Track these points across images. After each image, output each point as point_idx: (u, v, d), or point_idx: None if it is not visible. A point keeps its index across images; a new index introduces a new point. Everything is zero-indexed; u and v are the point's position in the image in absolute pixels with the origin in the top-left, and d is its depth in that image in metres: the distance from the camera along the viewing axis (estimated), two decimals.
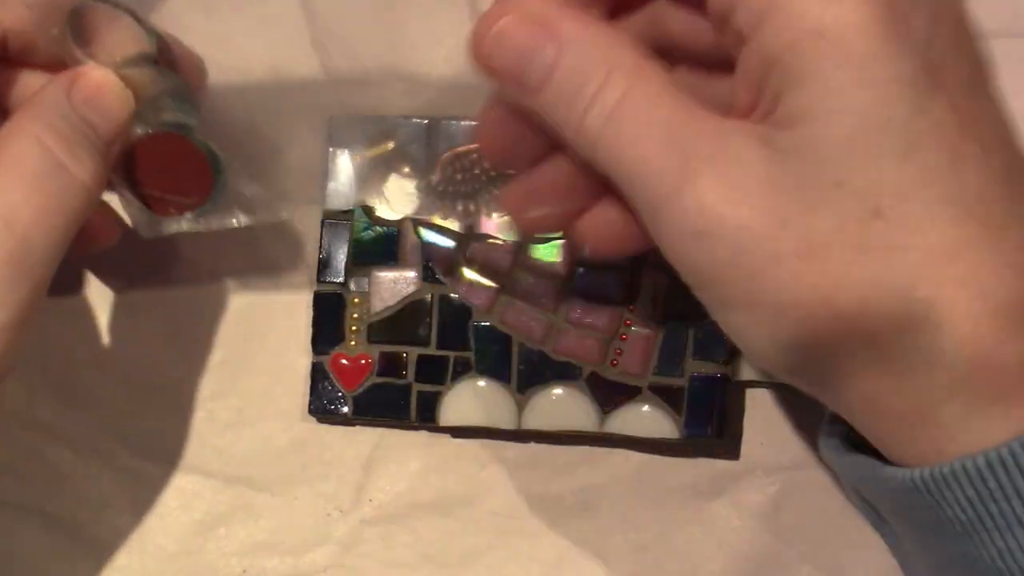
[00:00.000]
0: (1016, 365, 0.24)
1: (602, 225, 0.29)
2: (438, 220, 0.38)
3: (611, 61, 0.26)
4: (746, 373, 0.38)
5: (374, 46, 0.39)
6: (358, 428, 0.39)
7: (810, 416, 0.39)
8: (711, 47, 0.28)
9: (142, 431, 0.39)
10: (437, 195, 0.38)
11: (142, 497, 0.39)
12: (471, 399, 0.38)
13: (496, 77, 0.28)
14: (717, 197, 0.25)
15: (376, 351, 0.38)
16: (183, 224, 0.34)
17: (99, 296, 0.40)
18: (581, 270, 0.37)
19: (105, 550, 0.39)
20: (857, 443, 0.28)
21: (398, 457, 0.39)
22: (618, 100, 0.26)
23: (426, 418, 0.38)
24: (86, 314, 0.39)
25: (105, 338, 0.39)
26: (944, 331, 0.24)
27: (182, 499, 0.39)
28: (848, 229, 0.24)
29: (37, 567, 0.39)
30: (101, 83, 0.32)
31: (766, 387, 0.39)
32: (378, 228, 0.38)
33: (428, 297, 0.38)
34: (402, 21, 0.39)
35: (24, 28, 0.32)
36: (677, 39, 0.30)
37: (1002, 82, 0.40)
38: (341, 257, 0.38)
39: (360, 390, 0.38)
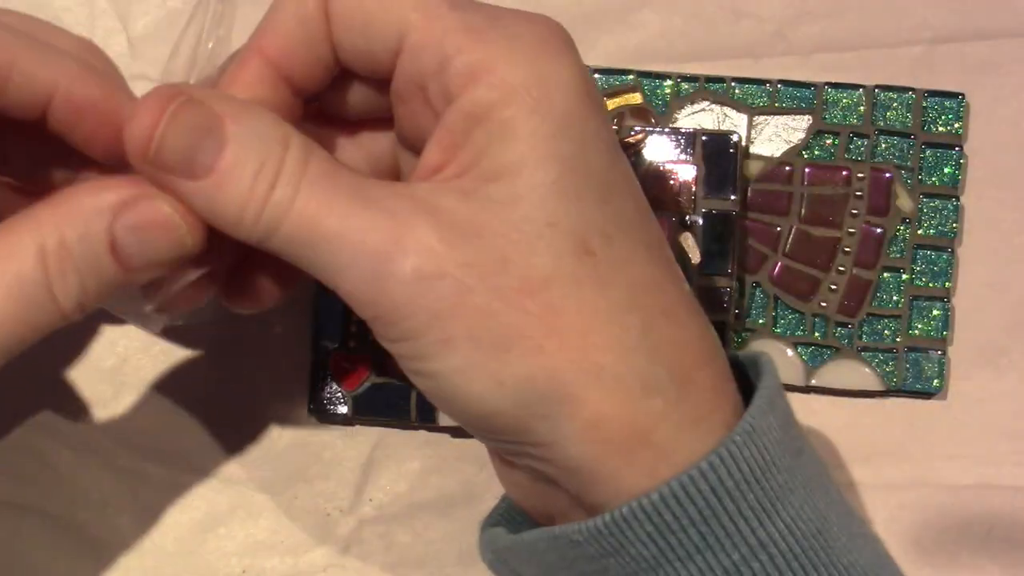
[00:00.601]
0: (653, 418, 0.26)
1: (248, 286, 0.31)
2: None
3: (285, 132, 0.26)
4: None
5: None
6: (358, 428, 0.39)
7: (808, 417, 0.39)
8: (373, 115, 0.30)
9: (142, 431, 0.39)
10: None
11: (142, 497, 0.39)
12: None
13: (159, 170, 0.26)
14: (437, 241, 0.25)
15: (376, 351, 0.38)
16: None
17: None
18: None
19: (105, 550, 0.39)
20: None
21: (398, 457, 0.39)
22: (303, 169, 0.26)
23: (426, 418, 0.38)
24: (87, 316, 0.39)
25: (106, 338, 0.39)
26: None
27: (182, 499, 0.39)
28: (564, 265, 0.26)
29: (37, 567, 0.39)
30: (158, 222, 0.27)
31: None
32: None
33: None
34: None
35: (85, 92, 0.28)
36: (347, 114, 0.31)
37: (1004, 81, 0.40)
38: None
39: (360, 390, 0.38)
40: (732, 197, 0.38)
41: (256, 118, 0.26)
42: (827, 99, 0.39)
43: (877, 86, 0.39)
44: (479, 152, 0.26)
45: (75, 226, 0.26)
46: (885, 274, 0.39)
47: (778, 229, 0.39)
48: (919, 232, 0.39)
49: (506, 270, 0.25)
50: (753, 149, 0.39)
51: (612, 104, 0.39)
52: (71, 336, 0.40)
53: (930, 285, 0.39)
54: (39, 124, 0.29)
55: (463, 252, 0.25)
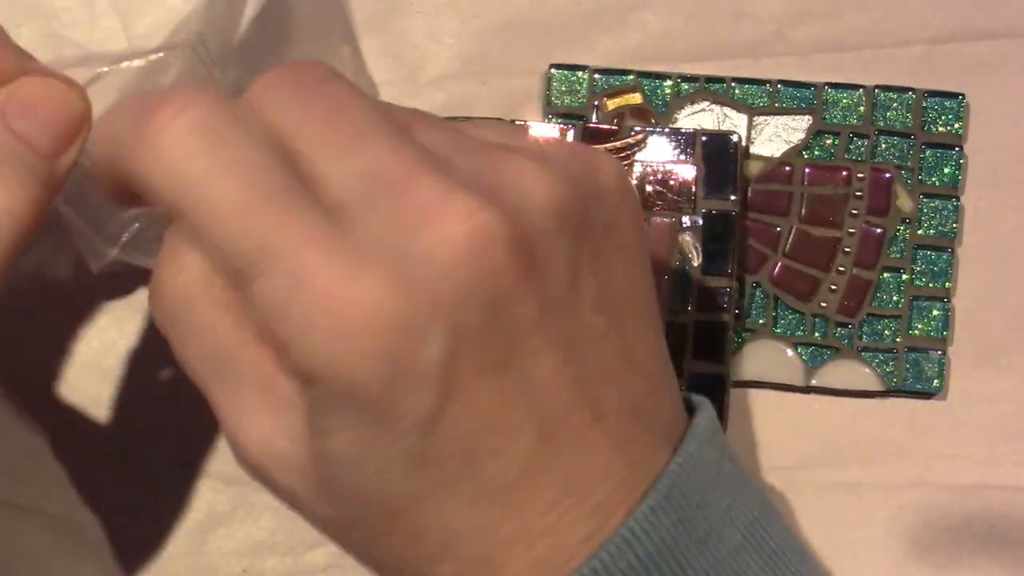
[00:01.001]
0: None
1: None
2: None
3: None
4: (746, 373, 0.38)
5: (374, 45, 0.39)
6: None
7: (808, 417, 0.39)
8: None
9: (142, 431, 0.39)
10: None
11: (142, 497, 0.39)
12: None
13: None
14: (262, 461, 0.27)
15: None
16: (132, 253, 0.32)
17: (99, 296, 0.40)
18: None
19: (105, 550, 0.39)
20: None
21: None
22: (177, 312, 0.27)
23: None
24: (86, 314, 0.39)
25: (105, 338, 0.39)
26: None
27: (182, 499, 0.39)
28: (371, 521, 0.26)
29: (37, 567, 0.39)
30: (38, 95, 0.28)
31: (765, 387, 0.39)
32: None
33: None
34: (403, 21, 0.39)
35: None
36: None
37: (1004, 81, 0.40)
38: None
39: None
40: (732, 197, 0.38)
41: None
42: (827, 99, 0.39)
43: (877, 86, 0.39)
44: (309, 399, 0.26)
45: None
46: (885, 274, 0.39)
47: (778, 229, 0.39)
48: (919, 232, 0.39)
49: (320, 504, 0.26)
50: (753, 149, 0.39)
51: (612, 104, 0.39)
52: (71, 336, 0.39)
53: (930, 285, 0.39)
54: None
55: (280, 476, 0.27)
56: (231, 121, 0.25)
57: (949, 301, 0.39)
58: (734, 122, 0.39)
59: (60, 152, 0.28)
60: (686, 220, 0.38)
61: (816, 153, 0.39)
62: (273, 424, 0.26)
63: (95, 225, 0.31)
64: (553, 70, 0.39)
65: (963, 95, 0.39)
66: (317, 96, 0.26)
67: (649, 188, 0.37)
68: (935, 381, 0.39)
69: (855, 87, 0.39)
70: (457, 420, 0.24)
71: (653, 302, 0.28)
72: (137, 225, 0.31)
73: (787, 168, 0.39)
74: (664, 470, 0.26)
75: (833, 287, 0.39)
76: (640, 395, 0.27)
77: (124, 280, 0.40)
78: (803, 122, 0.39)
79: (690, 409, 0.29)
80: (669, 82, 0.39)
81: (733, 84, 0.39)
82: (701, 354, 0.37)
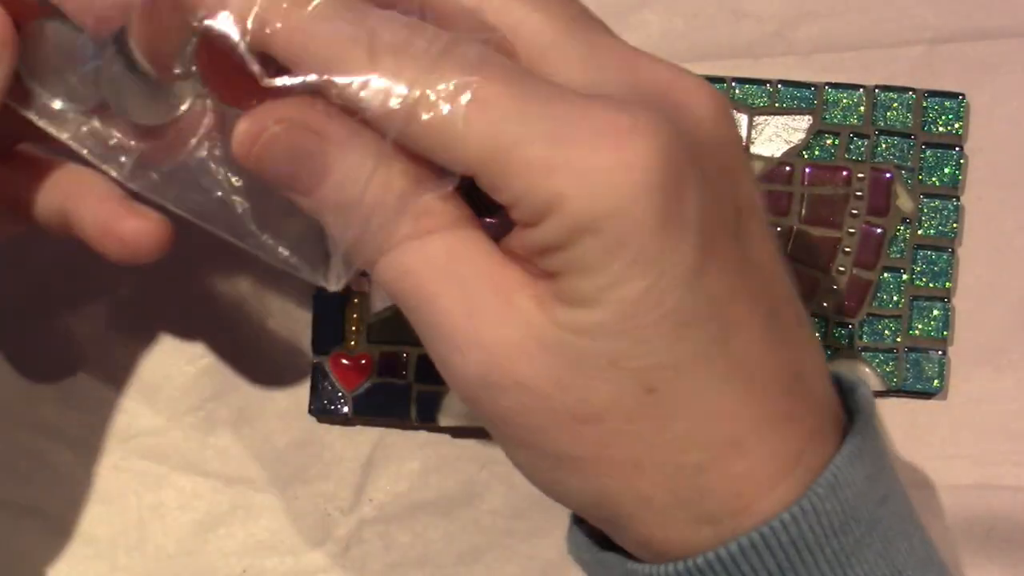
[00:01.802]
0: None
1: None
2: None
3: (388, 171, 0.26)
4: None
5: None
6: (358, 428, 0.39)
7: None
8: None
9: (142, 431, 0.39)
10: None
11: (142, 497, 0.39)
12: None
13: (268, 179, 0.27)
14: (500, 353, 0.25)
15: (376, 351, 0.38)
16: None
17: (99, 296, 0.40)
18: None
19: (105, 550, 0.39)
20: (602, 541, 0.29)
21: (398, 457, 0.39)
22: (395, 228, 0.26)
23: (426, 418, 0.38)
24: (86, 314, 0.39)
25: (105, 338, 0.39)
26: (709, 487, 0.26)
27: (182, 499, 0.39)
28: (622, 402, 0.25)
29: (37, 567, 0.39)
30: None
31: None
32: None
33: None
34: None
35: None
36: None
37: (1004, 81, 0.40)
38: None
39: (360, 390, 0.38)
40: None
41: (358, 143, 0.26)
42: (827, 99, 0.39)
43: (877, 86, 0.39)
44: (556, 272, 0.25)
45: None
46: (885, 274, 0.39)
47: (778, 229, 0.39)
48: (919, 232, 0.39)
49: (561, 394, 0.25)
50: (753, 149, 0.39)
51: None
52: (71, 335, 0.39)
53: (930, 285, 0.39)
54: None
55: (520, 370, 0.25)
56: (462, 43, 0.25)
57: (949, 301, 0.39)
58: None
59: None
60: None
61: (816, 153, 0.39)
62: (511, 317, 0.25)
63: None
64: None
65: (963, 95, 0.39)
66: None
67: None
68: (935, 381, 0.39)
69: (855, 87, 0.39)
70: (717, 276, 0.25)
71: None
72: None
73: (787, 168, 0.39)
74: (850, 427, 0.27)
75: (833, 287, 0.39)
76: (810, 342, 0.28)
77: (123, 280, 0.40)
78: (803, 122, 0.39)
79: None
80: None
81: (733, 84, 0.39)
82: None
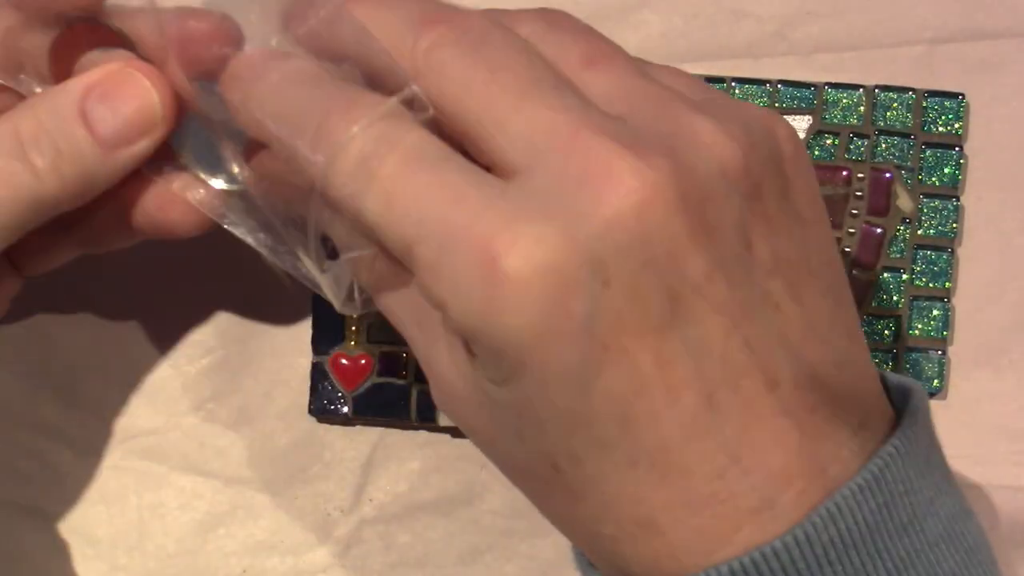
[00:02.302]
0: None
1: None
2: None
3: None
4: None
5: None
6: (358, 428, 0.39)
7: None
8: None
9: (142, 431, 0.39)
10: None
11: (142, 497, 0.39)
12: None
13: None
14: (449, 398, 0.27)
15: (376, 351, 0.38)
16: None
17: (99, 296, 0.40)
18: None
19: (105, 550, 0.39)
20: None
21: (398, 457, 0.39)
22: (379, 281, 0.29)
23: (426, 418, 0.38)
24: (86, 314, 0.39)
25: (105, 338, 0.39)
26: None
27: (182, 499, 0.39)
28: (537, 470, 0.26)
29: (37, 567, 0.39)
30: (119, 83, 0.30)
31: None
32: None
33: None
34: None
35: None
36: None
37: (1004, 81, 0.40)
38: None
39: (360, 390, 0.38)
40: None
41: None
42: (827, 99, 0.39)
43: (877, 86, 0.39)
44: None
45: (48, 108, 0.29)
46: (885, 274, 0.39)
47: None
48: (919, 232, 0.39)
49: (496, 447, 0.27)
50: None
51: None
52: (71, 335, 0.39)
53: (930, 285, 0.39)
54: None
55: (467, 415, 0.27)
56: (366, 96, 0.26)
57: (949, 301, 0.39)
58: None
59: (119, 146, 0.30)
60: None
61: (816, 153, 0.39)
62: (451, 369, 0.26)
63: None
64: None
65: (963, 95, 0.39)
66: (478, 58, 0.26)
67: None
68: (935, 381, 0.39)
69: (855, 87, 0.39)
70: (614, 379, 0.24)
71: (837, 273, 0.27)
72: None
73: None
74: (877, 449, 0.25)
75: None
76: (821, 366, 0.25)
77: (124, 280, 0.40)
78: (803, 122, 0.39)
79: (887, 391, 0.28)
80: None
81: (733, 84, 0.39)
82: None
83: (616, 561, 0.26)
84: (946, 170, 0.39)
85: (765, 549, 0.24)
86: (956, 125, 0.39)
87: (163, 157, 0.31)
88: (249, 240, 0.31)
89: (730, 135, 0.25)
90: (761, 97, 0.39)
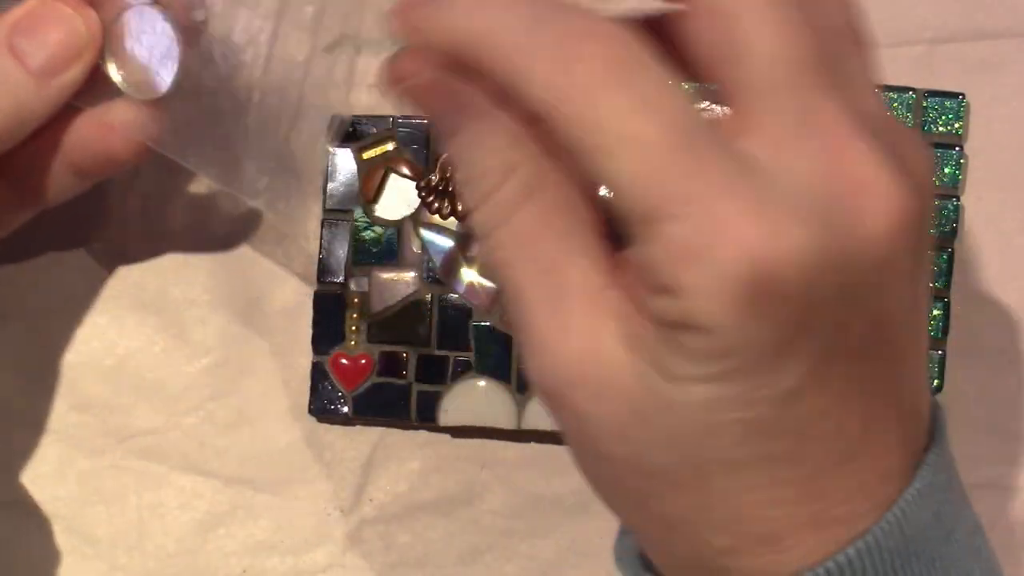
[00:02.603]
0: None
1: None
2: (438, 220, 0.38)
3: (513, 156, 0.25)
4: None
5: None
6: (358, 428, 0.39)
7: None
8: None
9: (142, 431, 0.39)
10: (437, 195, 0.38)
11: (142, 497, 0.39)
12: (471, 399, 0.38)
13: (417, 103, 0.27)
14: (578, 380, 0.24)
15: (376, 351, 0.38)
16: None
17: (100, 296, 0.40)
18: None
19: (105, 550, 0.39)
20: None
21: (398, 457, 0.39)
22: (508, 214, 0.25)
23: (426, 418, 0.38)
24: (87, 315, 0.39)
25: (105, 338, 0.39)
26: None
27: (182, 499, 0.39)
28: (675, 472, 0.24)
29: (37, 567, 0.39)
30: (40, 15, 0.31)
31: None
32: (378, 228, 0.38)
33: (428, 297, 0.38)
34: None
35: None
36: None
37: (1004, 81, 0.40)
38: (341, 257, 0.38)
39: (360, 390, 0.38)
40: None
41: (493, 124, 0.25)
42: None
43: (877, 86, 0.39)
44: (658, 331, 0.24)
45: None
46: None
47: None
48: None
49: (622, 444, 0.25)
50: None
51: None
52: (71, 336, 0.39)
53: (930, 285, 0.39)
54: None
55: (588, 401, 0.25)
56: (644, 56, 0.23)
57: (948, 301, 0.39)
58: None
59: (54, 73, 0.31)
60: None
61: None
62: (600, 346, 0.24)
63: None
64: None
65: (963, 95, 0.39)
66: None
67: None
68: (934, 381, 0.39)
69: None
70: (811, 399, 0.23)
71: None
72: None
73: None
74: (923, 458, 0.26)
75: None
76: (919, 395, 0.27)
77: (124, 281, 0.40)
78: None
79: None
80: None
81: None
82: None
83: (712, 567, 0.25)
84: (946, 170, 0.39)
85: (849, 551, 0.24)
86: (956, 125, 0.39)
87: (97, 87, 0.32)
88: (187, 163, 0.33)
89: (924, 179, 0.25)
90: None
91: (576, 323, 0.24)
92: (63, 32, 0.31)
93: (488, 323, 0.38)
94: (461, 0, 0.25)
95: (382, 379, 0.38)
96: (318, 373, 0.38)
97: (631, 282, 0.24)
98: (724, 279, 0.22)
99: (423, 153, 0.38)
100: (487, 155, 0.25)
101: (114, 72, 0.32)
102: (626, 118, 0.23)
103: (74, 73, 0.31)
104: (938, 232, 0.39)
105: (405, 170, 0.38)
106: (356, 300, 0.38)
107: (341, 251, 0.38)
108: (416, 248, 0.38)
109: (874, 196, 0.23)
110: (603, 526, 0.39)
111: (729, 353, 0.23)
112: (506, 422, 0.38)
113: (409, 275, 0.38)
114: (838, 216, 0.23)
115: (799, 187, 0.23)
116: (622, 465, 0.25)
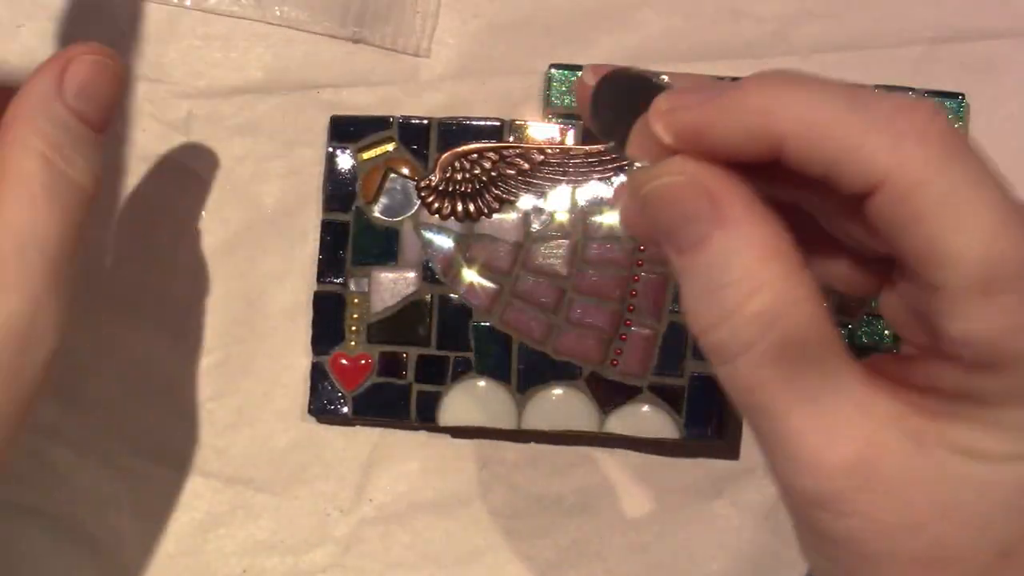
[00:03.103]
0: None
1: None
2: (438, 220, 0.38)
3: (763, 273, 0.24)
4: None
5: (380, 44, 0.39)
6: (358, 428, 0.39)
7: None
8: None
9: (142, 431, 0.39)
10: (437, 195, 0.38)
11: (142, 497, 0.39)
12: (471, 399, 0.38)
13: (646, 225, 0.26)
14: (851, 481, 0.24)
15: (376, 351, 0.38)
16: None
17: (100, 297, 0.40)
18: (581, 270, 0.37)
19: (105, 550, 0.39)
20: None
21: (398, 457, 0.39)
22: (762, 332, 0.24)
23: (426, 418, 0.38)
24: (87, 315, 0.39)
25: (106, 339, 0.39)
26: None
27: (182, 499, 0.39)
28: (973, 558, 0.24)
29: (37, 567, 0.39)
30: (93, 68, 0.31)
31: None
32: (378, 228, 0.38)
33: (428, 297, 0.38)
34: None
35: None
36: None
37: (1004, 81, 0.40)
38: (341, 257, 0.38)
39: (360, 390, 0.38)
40: None
41: (746, 235, 0.24)
42: None
43: (877, 86, 0.39)
44: (961, 418, 0.24)
45: (44, 114, 0.30)
46: None
47: None
48: None
49: (911, 536, 0.24)
50: None
51: None
52: (72, 337, 0.39)
53: None
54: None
55: (875, 501, 0.24)
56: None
57: None
58: None
59: (108, 125, 0.32)
60: None
61: None
62: (882, 448, 0.24)
63: None
64: (553, 70, 0.39)
65: (963, 95, 0.39)
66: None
67: None
68: None
69: None
70: None
71: None
72: None
73: None
74: None
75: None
76: None
77: (125, 281, 0.40)
78: None
79: None
80: None
81: None
82: (702, 355, 0.37)
83: None
84: None
85: None
86: (956, 125, 0.39)
87: None
88: None
89: None
90: None
91: (850, 432, 0.24)
92: (106, 81, 0.31)
93: (488, 323, 0.38)
94: (754, 89, 0.25)
95: (382, 379, 0.38)
96: (318, 373, 0.38)
97: (900, 380, 0.24)
98: None
99: (423, 153, 0.38)
100: (734, 268, 0.24)
101: None
102: (972, 189, 0.24)
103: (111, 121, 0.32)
104: None
105: (405, 170, 0.38)
106: (356, 300, 0.38)
107: (341, 251, 0.38)
108: (416, 248, 0.38)
109: None
110: (603, 525, 0.39)
111: None
112: (506, 422, 0.38)
113: (409, 275, 0.38)
114: None
115: None
116: (906, 559, 0.24)
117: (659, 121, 0.26)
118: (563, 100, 0.39)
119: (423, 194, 0.38)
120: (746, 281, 0.24)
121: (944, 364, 0.24)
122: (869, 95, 0.24)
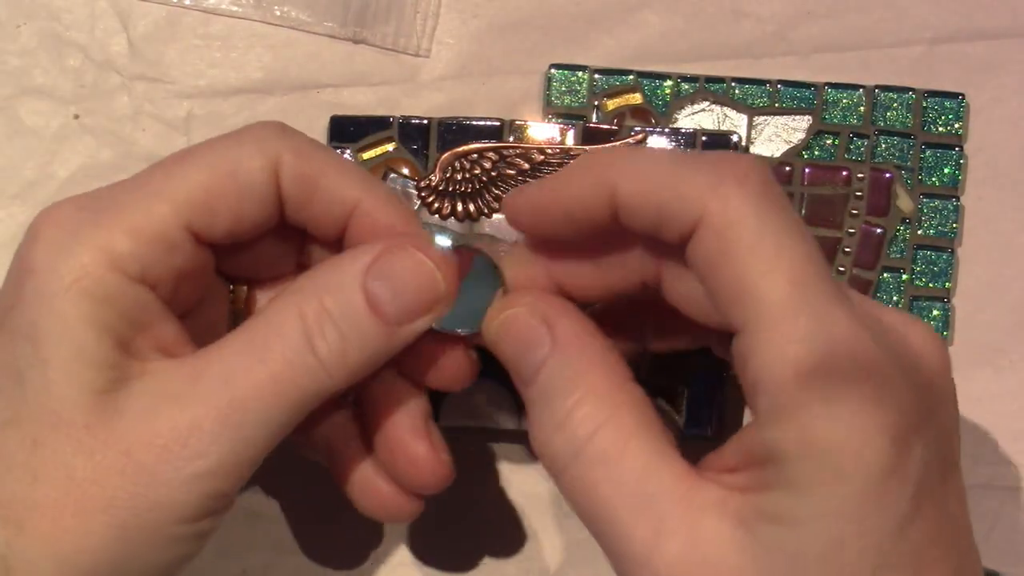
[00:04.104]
0: None
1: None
2: (438, 220, 0.38)
3: (588, 382, 0.27)
4: None
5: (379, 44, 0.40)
6: None
7: None
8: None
9: None
10: (437, 195, 0.38)
11: None
12: (471, 399, 0.38)
13: (502, 359, 0.29)
14: (689, 571, 0.25)
15: None
16: None
17: None
18: None
19: None
20: None
21: None
22: (589, 435, 0.26)
23: None
24: None
25: None
26: None
27: None
28: None
29: None
30: (406, 269, 0.29)
31: None
32: None
33: None
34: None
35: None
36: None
37: (1004, 81, 0.40)
38: None
39: None
40: None
41: (574, 351, 0.28)
42: (827, 99, 0.39)
43: (877, 86, 0.39)
44: (763, 485, 0.25)
45: (331, 287, 0.28)
46: (885, 274, 0.39)
47: None
48: (919, 232, 0.39)
49: None
50: (753, 149, 0.39)
51: (612, 104, 0.39)
52: None
53: (930, 285, 0.39)
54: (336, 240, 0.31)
55: None
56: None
57: (949, 301, 0.39)
58: (734, 122, 0.39)
59: (405, 323, 0.29)
60: None
61: (816, 153, 0.39)
62: (707, 533, 0.25)
63: None
64: (553, 70, 0.39)
65: (963, 95, 0.39)
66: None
67: None
68: None
69: (855, 87, 0.39)
70: (921, 525, 0.24)
71: None
72: None
73: (787, 168, 0.39)
74: None
75: None
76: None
77: None
78: (803, 122, 0.39)
79: None
80: (669, 82, 0.39)
81: (733, 84, 0.39)
82: (702, 355, 0.37)
83: None
84: (946, 170, 0.39)
85: None
86: (956, 125, 0.39)
87: None
88: None
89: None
90: (761, 97, 0.39)
91: (674, 526, 0.25)
92: (419, 283, 0.29)
93: None
94: (588, 158, 0.28)
95: None
96: None
97: (722, 467, 0.26)
98: (847, 407, 0.24)
99: (423, 153, 0.38)
100: (565, 384, 0.27)
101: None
102: (784, 234, 0.25)
103: (424, 323, 0.29)
104: (938, 232, 0.39)
105: (405, 170, 0.38)
106: None
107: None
108: None
109: (920, 339, 0.26)
110: None
111: (847, 478, 0.24)
112: (506, 422, 0.38)
113: None
114: (906, 355, 0.26)
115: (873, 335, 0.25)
116: None
117: (509, 207, 0.29)
118: (563, 100, 0.39)
119: (423, 194, 0.38)
120: (575, 393, 0.27)
121: (749, 430, 0.25)
122: (697, 153, 0.28)
